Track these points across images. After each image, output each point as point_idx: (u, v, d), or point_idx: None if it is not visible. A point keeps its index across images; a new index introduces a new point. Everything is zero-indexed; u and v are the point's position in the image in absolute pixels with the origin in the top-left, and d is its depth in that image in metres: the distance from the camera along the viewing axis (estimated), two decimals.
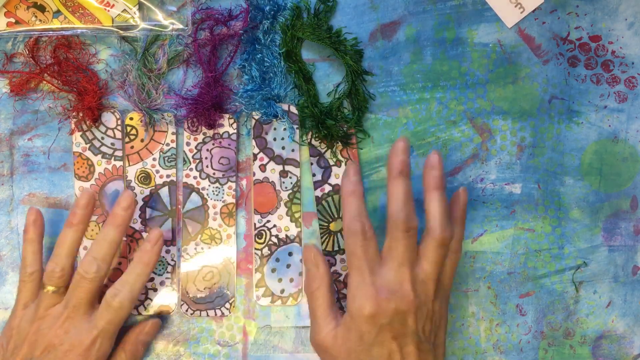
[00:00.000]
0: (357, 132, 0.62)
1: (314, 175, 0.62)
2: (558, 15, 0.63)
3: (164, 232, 0.61)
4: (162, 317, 0.62)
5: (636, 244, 0.64)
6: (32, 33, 0.59)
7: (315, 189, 0.62)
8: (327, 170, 0.63)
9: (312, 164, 0.62)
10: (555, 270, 0.63)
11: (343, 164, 0.62)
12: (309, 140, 0.62)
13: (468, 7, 0.63)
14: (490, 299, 0.63)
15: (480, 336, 0.63)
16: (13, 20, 0.60)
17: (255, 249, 0.62)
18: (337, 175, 0.63)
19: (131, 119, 0.62)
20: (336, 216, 0.62)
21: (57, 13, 0.60)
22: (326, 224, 0.62)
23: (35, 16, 0.60)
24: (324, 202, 0.62)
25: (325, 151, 0.62)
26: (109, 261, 0.57)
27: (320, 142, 0.62)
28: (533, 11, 0.63)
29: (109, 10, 0.60)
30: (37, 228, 0.59)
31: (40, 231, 0.59)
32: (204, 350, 0.62)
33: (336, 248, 0.62)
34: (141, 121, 0.61)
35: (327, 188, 0.62)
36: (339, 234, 0.62)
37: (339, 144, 0.62)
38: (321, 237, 0.62)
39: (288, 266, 0.62)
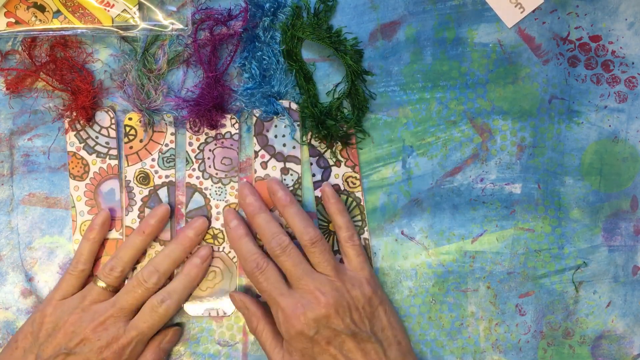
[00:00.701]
0: (357, 132, 0.62)
1: (313, 175, 0.63)
2: (558, 15, 0.63)
3: (164, 232, 0.61)
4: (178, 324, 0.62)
5: (636, 244, 0.64)
6: (32, 33, 0.59)
7: (315, 189, 0.63)
8: (326, 170, 0.63)
9: (311, 164, 0.62)
10: (555, 270, 0.63)
11: (343, 164, 0.62)
12: (308, 140, 0.62)
13: (468, 7, 0.63)
14: (490, 299, 0.63)
15: (479, 336, 0.63)
16: (13, 20, 0.60)
17: None
18: (336, 175, 0.63)
19: (130, 119, 0.61)
20: None
21: (57, 13, 0.60)
22: (326, 224, 0.62)
23: (35, 16, 0.60)
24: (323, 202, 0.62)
25: (325, 151, 0.62)
26: (167, 276, 0.60)
27: (320, 142, 0.62)
28: (533, 11, 0.63)
29: (109, 10, 0.60)
30: (103, 231, 0.61)
31: (104, 234, 0.61)
32: (204, 350, 0.62)
33: (336, 248, 0.62)
34: (140, 121, 0.61)
35: None
36: None
37: (339, 144, 0.62)
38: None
39: None
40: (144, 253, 0.61)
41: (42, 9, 0.60)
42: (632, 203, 0.64)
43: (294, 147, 0.62)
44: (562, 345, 0.63)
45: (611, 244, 0.64)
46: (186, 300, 0.61)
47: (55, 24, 0.60)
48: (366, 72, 0.62)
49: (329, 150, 0.62)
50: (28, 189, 0.62)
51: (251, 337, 0.62)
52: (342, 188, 0.63)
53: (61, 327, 0.57)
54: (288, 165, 0.62)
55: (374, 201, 0.63)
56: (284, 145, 0.62)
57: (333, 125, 0.61)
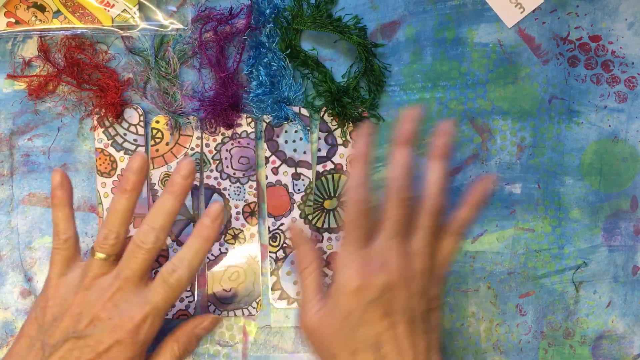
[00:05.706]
0: (371, 116, 0.62)
1: (319, 150, 0.62)
2: (558, 15, 0.63)
3: (183, 235, 0.61)
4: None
5: (636, 244, 0.64)
6: (32, 33, 0.60)
7: (318, 163, 0.62)
8: (333, 148, 0.62)
9: (319, 138, 0.62)
10: (555, 270, 0.63)
11: (350, 145, 0.62)
12: (322, 116, 0.62)
13: (468, 7, 0.63)
14: (490, 299, 0.63)
15: (480, 336, 0.63)
16: (13, 20, 0.60)
17: (270, 252, 0.62)
18: (341, 155, 0.62)
19: (157, 122, 0.61)
20: (332, 195, 0.62)
21: (57, 13, 0.60)
22: (321, 200, 0.62)
23: (35, 16, 0.60)
24: (323, 178, 0.62)
25: (335, 129, 0.62)
26: (167, 231, 0.53)
27: (332, 119, 0.62)
28: (533, 11, 0.63)
29: (109, 10, 0.60)
30: (66, 190, 0.54)
31: (69, 193, 0.54)
32: (204, 350, 0.62)
33: (326, 226, 0.62)
34: (167, 125, 0.61)
35: (330, 165, 0.62)
36: (331, 212, 0.62)
37: (351, 124, 0.62)
38: (314, 212, 0.62)
39: None
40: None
41: (42, 9, 0.60)
42: (632, 203, 0.64)
43: (304, 152, 0.62)
44: (562, 345, 0.63)
45: (611, 244, 0.64)
46: (199, 266, 0.54)
47: (55, 24, 0.60)
48: (376, 44, 0.62)
49: (340, 129, 0.62)
50: (28, 189, 0.62)
51: (251, 337, 0.62)
52: (345, 169, 0.63)
53: (67, 309, 0.52)
54: (299, 170, 0.62)
55: (374, 201, 0.63)
56: (295, 150, 0.62)
57: (349, 103, 0.61)
